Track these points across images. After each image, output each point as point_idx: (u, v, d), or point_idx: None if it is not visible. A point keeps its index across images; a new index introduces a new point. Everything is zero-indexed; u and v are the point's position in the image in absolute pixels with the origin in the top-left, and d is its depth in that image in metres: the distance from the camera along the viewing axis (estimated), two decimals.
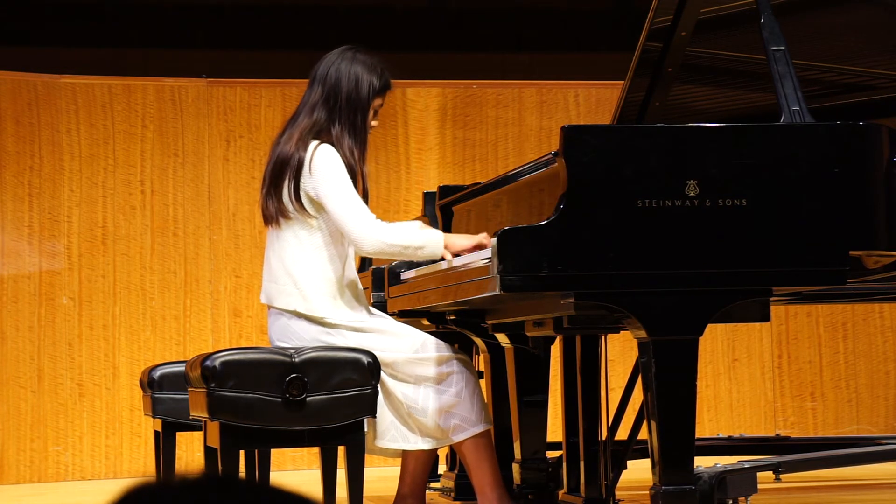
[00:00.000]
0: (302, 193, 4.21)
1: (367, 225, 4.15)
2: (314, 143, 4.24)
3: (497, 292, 3.44)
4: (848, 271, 3.54)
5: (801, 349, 7.79)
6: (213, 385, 3.97)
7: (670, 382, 3.51)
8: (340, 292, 4.26)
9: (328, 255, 4.25)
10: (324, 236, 4.25)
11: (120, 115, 7.29)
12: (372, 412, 4.08)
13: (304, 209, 4.22)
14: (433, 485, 5.23)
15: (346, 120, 4.27)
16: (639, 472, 4.55)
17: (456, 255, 4.16)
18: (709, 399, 7.66)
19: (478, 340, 4.78)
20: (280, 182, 4.25)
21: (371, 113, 4.33)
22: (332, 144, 4.25)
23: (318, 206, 4.22)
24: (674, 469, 3.50)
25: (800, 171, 3.56)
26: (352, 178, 4.23)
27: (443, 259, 4.23)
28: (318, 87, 4.33)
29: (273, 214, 4.28)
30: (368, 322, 4.26)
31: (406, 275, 4.62)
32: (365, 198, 4.27)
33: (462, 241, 4.19)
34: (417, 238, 4.18)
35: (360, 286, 4.39)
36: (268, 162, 4.34)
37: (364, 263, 5.51)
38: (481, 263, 3.74)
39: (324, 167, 4.18)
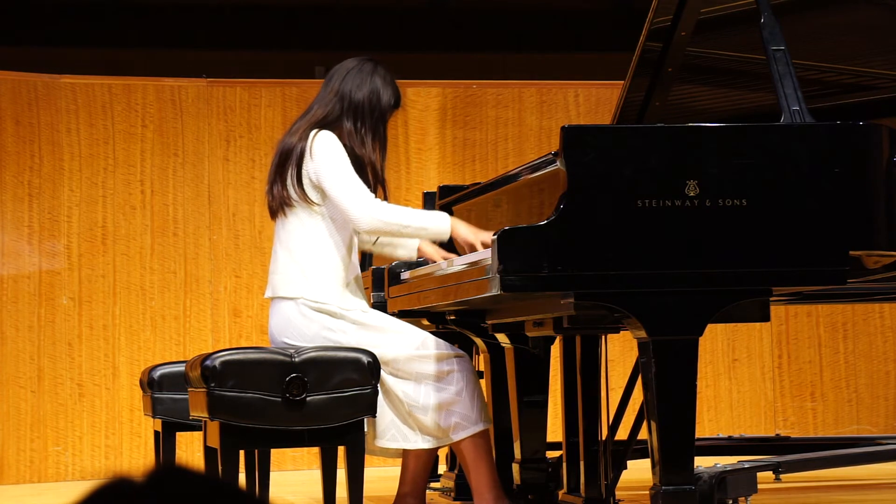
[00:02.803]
0: (304, 179, 4.26)
1: (365, 201, 4.18)
2: (314, 130, 4.28)
3: (497, 292, 3.44)
4: (848, 271, 3.54)
5: (801, 349, 7.79)
6: (213, 385, 3.97)
7: (670, 382, 3.51)
8: (346, 279, 4.29)
9: (334, 242, 4.28)
10: (328, 223, 4.28)
11: (120, 115, 7.29)
12: (372, 412, 4.08)
13: (307, 196, 4.26)
14: (433, 485, 5.24)
15: (369, 125, 4.33)
16: (639, 472, 4.55)
17: (465, 242, 4.19)
18: (709, 399, 7.66)
19: (478, 340, 4.78)
20: (284, 172, 4.29)
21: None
22: (340, 136, 4.29)
23: (321, 192, 4.25)
24: (674, 469, 3.50)
25: (800, 171, 3.56)
26: (374, 178, 4.28)
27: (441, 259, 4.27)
28: (335, 85, 4.37)
29: (278, 205, 4.31)
30: (370, 315, 4.27)
31: (406, 275, 4.63)
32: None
33: (466, 231, 4.20)
34: (418, 218, 4.20)
35: (361, 280, 4.42)
36: (273, 157, 4.39)
37: (364, 263, 5.52)
38: (481, 264, 3.74)
39: (323, 150, 4.23)
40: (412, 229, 4.20)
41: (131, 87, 7.34)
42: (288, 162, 4.29)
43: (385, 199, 4.33)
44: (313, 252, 4.27)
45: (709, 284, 3.49)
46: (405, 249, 4.56)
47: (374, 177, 4.30)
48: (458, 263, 4.04)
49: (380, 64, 4.44)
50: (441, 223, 4.21)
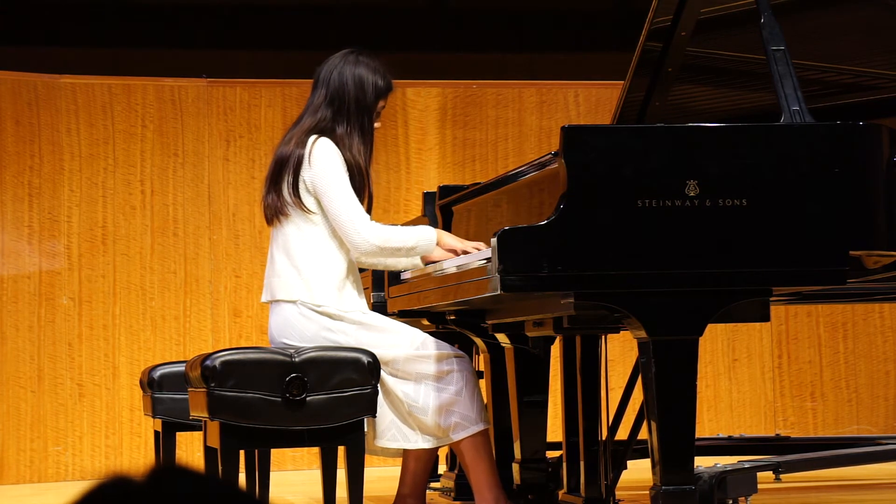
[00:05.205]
0: (301, 186, 4.25)
1: (363, 228, 4.19)
2: (313, 137, 4.28)
3: (497, 292, 3.44)
4: (848, 271, 3.54)
5: (801, 349, 7.79)
6: (213, 385, 3.97)
7: (670, 382, 3.50)
8: (344, 282, 4.29)
9: (332, 245, 4.28)
10: (326, 228, 4.28)
11: (120, 115, 7.29)
12: (372, 412, 4.09)
13: (303, 204, 4.26)
14: (433, 485, 5.24)
15: (354, 122, 4.32)
16: (639, 472, 4.55)
17: (450, 250, 4.22)
18: (709, 399, 7.66)
19: (478, 340, 4.78)
20: (280, 179, 4.29)
21: (375, 115, 4.38)
22: (335, 143, 4.29)
23: (317, 200, 4.25)
24: (674, 469, 3.50)
25: (800, 171, 3.56)
26: (360, 179, 4.28)
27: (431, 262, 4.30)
28: (322, 90, 4.36)
29: (273, 213, 4.31)
30: (370, 316, 4.28)
31: (406, 275, 4.63)
32: (370, 201, 4.33)
33: (454, 241, 4.25)
34: (410, 238, 4.24)
35: (360, 281, 4.42)
36: (269, 166, 4.38)
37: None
38: (479, 264, 3.74)
39: (322, 159, 4.23)
40: (404, 251, 4.25)
41: (131, 87, 7.34)
42: (284, 170, 4.28)
43: (370, 196, 4.34)
44: (312, 255, 4.27)
45: (709, 284, 3.49)
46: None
47: (360, 177, 4.30)
48: (459, 263, 4.04)
49: (362, 53, 4.41)
50: (428, 238, 4.26)
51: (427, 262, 4.45)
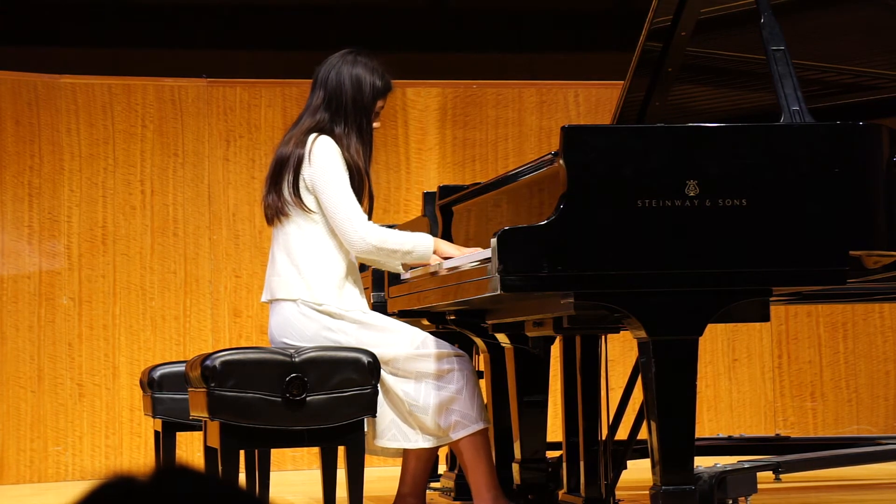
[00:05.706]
0: (301, 185, 4.25)
1: (360, 227, 4.19)
2: (313, 135, 4.27)
3: (497, 292, 3.44)
4: (848, 271, 3.54)
5: (801, 349, 7.79)
6: (213, 385, 3.97)
7: (670, 382, 3.50)
8: (344, 281, 4.29)
9: (332, 244, 4.28)
10: (326, 226, 4.28)
11: (120, 115, 7.29)
12: (372, 412, 4.09)
13: (303, 203, 4.26)
14: (433, 485, 5.23)
15: (352, 123, 4.31)
16: (639, 472, 4.55)
17: (446, 258, 4.22)
18: (709, 399, 7.66)
19: (478, 340, 4.78)
20: (280, 179, 4.29)
21: (373, 115, 4.37)
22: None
23: (316, 198, 4.25)
24: (674, 469, 3.50)
25: (800, 171, 3.56)
26: (359, 179, 4.28)
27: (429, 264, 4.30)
28: (321, 91, 4.36)
29: (273, 213, 4.31)
30: (370, 315, 4.28)
31: (406, 275, 4.63)
32: (371, 202, 4.33)
33: (451, 248, 4.25)
34: (407, 241, 4.24)
35: (361, 281, 4.43)
36: (269, 167, 4.38)
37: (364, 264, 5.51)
38: (479, 264, 3.74)
39: (322, 157, 4.23)
40: (400, 255, 4.26)
41: (131, 87, 7.34)
42: (284, 170, 4.28)
43: (371, 197, 4.34)
44: (312, 254, 4.27)
45: (709, 284, 3.49)
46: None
47: (359, 178, 4.30)
48: (457, 264, 4.04)
49: (361, 53, 4.41)
50: (426, 245, 4.26)
51: (409, 269, 4.47)
